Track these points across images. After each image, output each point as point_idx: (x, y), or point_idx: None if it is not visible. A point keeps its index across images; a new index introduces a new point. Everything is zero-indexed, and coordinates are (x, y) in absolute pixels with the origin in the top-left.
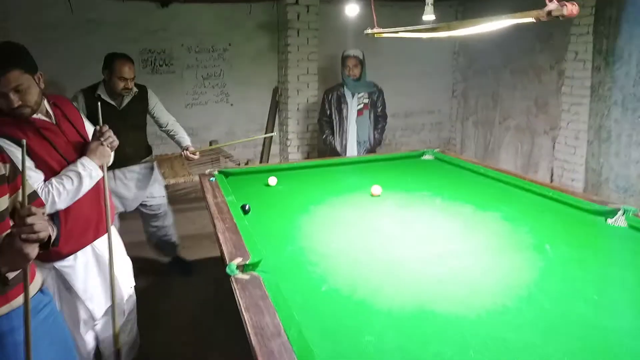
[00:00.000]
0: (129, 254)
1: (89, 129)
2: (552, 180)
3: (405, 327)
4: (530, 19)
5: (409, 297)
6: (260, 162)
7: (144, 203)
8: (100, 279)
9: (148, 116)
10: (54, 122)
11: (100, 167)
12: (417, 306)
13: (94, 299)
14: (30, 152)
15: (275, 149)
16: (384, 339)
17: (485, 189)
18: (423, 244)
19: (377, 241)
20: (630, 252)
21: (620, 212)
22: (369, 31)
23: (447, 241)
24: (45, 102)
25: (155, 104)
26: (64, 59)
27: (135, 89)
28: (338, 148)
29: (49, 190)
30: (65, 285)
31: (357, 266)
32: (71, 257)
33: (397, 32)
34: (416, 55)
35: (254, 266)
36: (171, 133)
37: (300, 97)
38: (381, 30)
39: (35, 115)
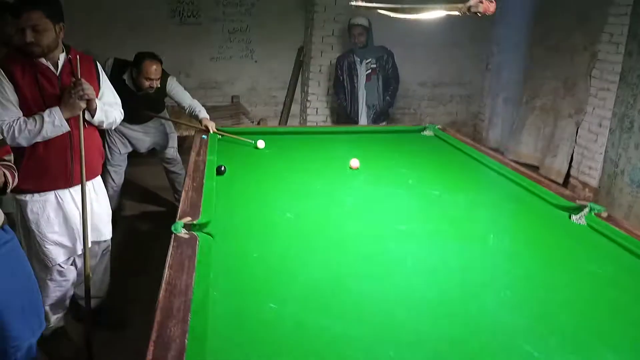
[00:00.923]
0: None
1: (107, 89)
2: (570, 167)
3: (312, 301)
4: (456, 13)
5: (331, 272)
6: (280, 122)
7: (161, 156)
8: (63, 227)
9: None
10: (57, 73)
11: (74, 119)
12: (334, 282)
13: (52, 243)
14: (19, 91)
15: (295, 109)
16: (286, 309)
17: (465, 172)
18: (373, 222)
19: (332, 215)
20: (573, 253)
21: (585, 210)
22: (353, 3)
23: (397, 222)
24: (63, 54)
25: (173, 89)
26: (94, 6)
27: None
28: (349, 112)
29: (11, 125)
30: (26, 225)
31: (299, 237)
32: (28, 195)
33: (375, 7)
34: (451, 22)
35: (201, 226)
36: (188, 111)
37: (323, 59)
38: (363, 4)
39: (42, 61)
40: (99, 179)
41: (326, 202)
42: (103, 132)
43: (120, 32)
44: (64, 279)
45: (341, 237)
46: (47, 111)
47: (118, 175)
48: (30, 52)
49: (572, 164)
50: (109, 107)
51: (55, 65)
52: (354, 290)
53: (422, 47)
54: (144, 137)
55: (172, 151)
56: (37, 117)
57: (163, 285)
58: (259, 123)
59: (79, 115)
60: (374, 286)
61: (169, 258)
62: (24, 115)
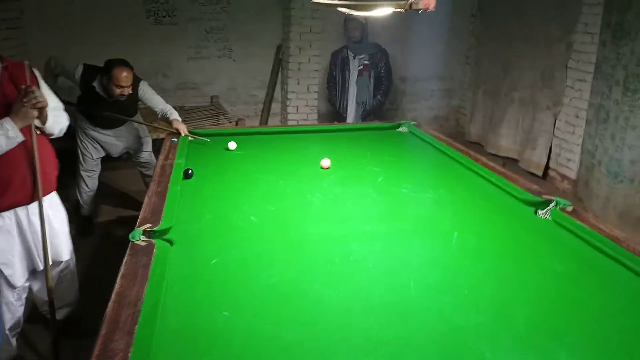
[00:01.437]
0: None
1: (48, 94)
2: (549, 159)
3: (267, 309)
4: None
5: (289, 277)
6: (260, 121)
7: (136, 159)
8: (20, 247)
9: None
10: None
11: (27, 129)
12: (291, 288)
13: (10, 265)
14: None
15: (276, 107)
16: (239, 318)
17: (435, 169)
18: (339, 223)
19: (297, 217)
20: (537, 249)
21: (552, 205)
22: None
23: (363, 222)
24: None
25: (145, 94)
26: (68, 5)
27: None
28: (338, 108)
29: None
30: None
31: (260, 241)
32: None
33: (334, 5)
34: (431, 17)
35: (161, 233)
36: (161, 115)
37: (301, 56)
38: (324, 1)
39: None
40: (54, 194)
41: (293, 203)
42: (73, 138)
43: (97, 34)
44: (19, 303)
45: (304, 239)
46: None
47: (92, 180)
48: None
49: (551, 156)
50: (57, 112)
51: None
52: (310, 296)
53: (402, 42)
54: (116, 141)
55: (146, 155)
56: None
57: (112, 296)
58: (237, 123)
59: (31, 125)
60: (331, 291)
61: (122, 267)
62: None
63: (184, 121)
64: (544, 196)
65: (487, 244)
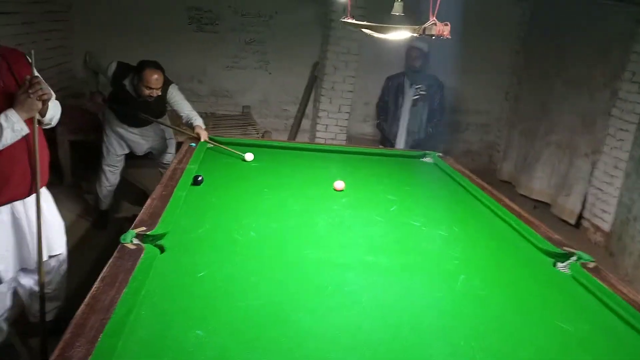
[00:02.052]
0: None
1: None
2: (583, 208)
3: (243, 332)
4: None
5: (274, 301)
6: (289, 136)
7: (158, 160)
8: (13, 240)
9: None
10: None
11: (29, 120)
12: (273, 313)
13: (3, 260)
14: None
15: (306, 123)
16: (212, 338)
17: (454, 204)
18: (340, 249)
19: (298, 237)
20: (547, 304)
21: (573, 258)
22: (343, 19)
23: (366, 252)
24: None
25: (173, 97)
26: (112, 3)
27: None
28: (388, 134)
29: None
30: None
31: (254, 259)
32: None
33: (360, 26)
34: (474, 49)
35: (154, 238)
36: (185, 120)
37: (336, 76)
38: (351, 21)
39: None
40: (44, 188)
41: (297, 223)
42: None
43: (138, 33)
44: (9, 292)
45: (300, 262)
46: (2, 116)
47: (113, 175)
48: None
49: (586, 205)
50: (53, 103)
51: None
52: (292, 324)
53: (440, 71)
54: (141, 140)
55: (169, 156)
56: None
57: (86, 299)
58: (263, 135)
59: (33, 117)
60: (316, 321)
61: (104, 269)
62: None
63: (213, 128)
64: (565, 248)
65: (494, 292)
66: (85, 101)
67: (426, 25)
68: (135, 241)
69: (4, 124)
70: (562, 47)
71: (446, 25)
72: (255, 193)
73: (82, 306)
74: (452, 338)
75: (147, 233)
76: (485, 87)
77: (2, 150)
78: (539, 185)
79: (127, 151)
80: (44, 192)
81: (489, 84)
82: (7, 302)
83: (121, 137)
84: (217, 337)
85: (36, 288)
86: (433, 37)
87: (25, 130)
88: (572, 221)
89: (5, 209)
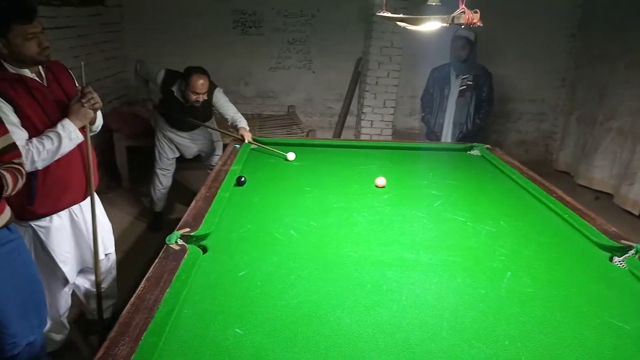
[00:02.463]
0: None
1: None
2: None
3: (281, 331)
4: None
5: (311, 299)
6: (334, 133)
7: (207, 163)
8: (74, 243)
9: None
10: (45, 83)
11: (82, 129)
12: (311, 310)
13: (67, 262)
14: (18, 110)
15: (351, 120)
16: (251, 337)
17: (502, 198)
18: (380, 247)
19: (338, 235)
20: (601, 301)
21: (631, 252)
22: (379, 13)
23: (407, 249)
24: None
25: (218, 101)
26: (157, 8)
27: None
28: (433, 127)
29: (29, 149)
30: (41, 245)
31: (293, 257)
32: (47, 218)
33: (395, 19)
34: (527, 34)
35: (198, 238)
36: (231, 122)
37: (380, 71)
38: (386, 15)
39: (30, 75)
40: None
41: (337, 221)
42: (150, 137)
43: (187, 41)
44: (70, 291)
45: (339, 260)
46: (59, 126)
47: (166, 178)
48: (47, 56)
49: None
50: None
51: (40, 76)
52: (329, 323)
53: (490, 59)
54: (190, 143)
55: (217, 159)
56: (51, 134)
57: (132, 299)
58: (307, 134)
59: (86, 125)
60: (353, 320)
61: (150, 270)
62: (30, 135)
63: (259, 129)
64: (623, 241)
65: (543, 290)
66: (138, 108)
67: (455, 14)
68: (180, 242)
69: (62, 133)
70: (623, 28)
71: (475, 12)
72: (296, 192)
73: (128, 305)
74: (495, 338)
75: (191, 234)
76: (539, 74)
77: (61, 158)
78: (599, 174)
79: (177, 155)
80: (95, 196)
81: (543, 71)
82: (69, 301)
83: (172, 141)
84: (254, 335)
85: (91, 287)
86: (462, 27)
87: (80, 138)
88: (637, 212)
89: (65, 213)
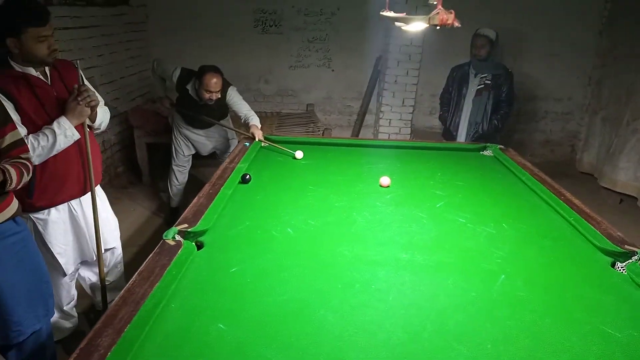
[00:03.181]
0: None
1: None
2: None
3: (264, 328)
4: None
5: (298, 297)
6: (352, 132)
7: (221, 160)
8: (72, 236)
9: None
10: (49, 82)
11: (80, 126)
12: (296, 309)
13: (64, 254)
14: (19, 107)
15: (370, 119)
16: (233, 333)
17: (506, 200)
18: (375, 247)
19: (334, 234)
20: (595, 308)
21: (634, 257)
22: (382, 13)
23: (402, 249)
24: None
25: (232, 99)
26: (181, 7)
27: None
28: (449, 125)
29: None
30: (40, 236)
31: (286, 256)
32: (45, 211)
33: (392, 19)
34: (552, 31)
35: (195, 234)
36: (244, 120)
37: (399, 69)
38: (387, 14)
39: (34, 73)
40: (99, 187)
41: (336, 220)
42: (169, 134)
43: (209, 40)
44: (73, 282)
45: (332, 259)
46: (55, 123)
47: (182, 175)
48: (55, 57)
49: None
50: (101, 110)
51: (44, 75)
52: (312, 321)
53: (512, 56)
54: (206, 141)
55: None
56: (46, 131)
57: (122, 292)
58: (323, 133)
59: (83, 122)
60: (337, 319)
61: (143, 264)
62: (29, 132)
63: (277, 127)
64: (627, 247)
65: (536, 294)
66: (157, 106)
67: (431, 14)
68: (178, 237)
69: (57, 131)
70: None
71: (450, 12)
72: (299, 190)
73: (117, 298)
74: (478, 341)
75: (189, 230)
76: (566, 72)
77: (58, 154)
78: (624, 176)
79: (193, 152)
80: (99, 191)
81: (570, 68)
82: (72, 291)
83: (188, 139)
84: (238, 331)
85: (96, 280)
86: (438, 28)
87: (76, 135)
88: None
89: (64, 207)
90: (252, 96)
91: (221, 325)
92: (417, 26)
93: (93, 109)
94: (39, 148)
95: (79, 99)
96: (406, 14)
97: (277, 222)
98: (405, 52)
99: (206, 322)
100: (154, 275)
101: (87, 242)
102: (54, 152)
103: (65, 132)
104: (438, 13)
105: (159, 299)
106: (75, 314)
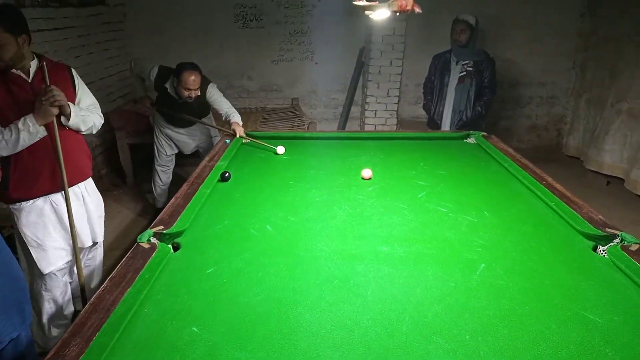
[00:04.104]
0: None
1: (82, 97)
2: None
3: (237, 329)
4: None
5: (274, 296)
6: (338, 125)
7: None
8: (52, 230)
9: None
10: (29, 80)
11: (50, 124)
12: (271, 308)
13: (40, 248)
14: None
15: (356, 111)
16: (207, 335)
17: (489, 187)
18: (355, 240)
19: (314, 230)
20: (576, 292)
21: (616, 241)
22: (354, 2)
23: (382, 242)
24: (34, 61)
25: (212, 96)
26: (159, 5)
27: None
28: (433, 114)
29: None
30: (22, 231)
31: (265, 253)
32: (22, 202)
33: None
34: (533, 17)
35: (172, 236)
36: (225, 117)
37: (383, 59)
38: (357, 3)
39: (13, 71)
40: (90, 180)
41: (316, 215)
42: (152, 134)
43: (190, 37)
44: (59, 288)
45: (311, 255)
46: (20, 120)
47: (166, 175)
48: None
49: None
50: (86, 113)
51: (27, 73)
52: (288, 320)
53: (496, 42)
54: (188, 139)
55: None
56: (11, 126)
57: (92, 298)
58: (308, 127)
59: (53, 121)
60: (313, 317)
61: (115, 269)
62: (2, 126)
63: (262, 122)
64: (608, 230)
65: (515, 282)
66: (139, 106)
67: (390, 1)
68: (153, 240)
69: (21, 127)
70: (633, 6)
71: None
72: (280, 186)
73: (87, 305)
74: (456, 333)
75: (164, 232)
76: (549, 56)
77: (30, 149)
78: (609, 158)
79: (176, 151)
80: (88, 185)
81: (553, 53)
82: (66, 290)
83: (170, 138)
84: (211, 334)
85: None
86: (397, 14)
87: (41, 133)
88: None
89: (43, 200)
90: (236, 92)
91: (195, 329)
92: (381, 14)
93: (62, 109)
94: (2, 142)
95: (43, 99)
96: (377, 2)
97: (256, 220)
98: (388, 42)
99: (179, 326)
100: (125, 280)
101: (70, 238)
102: (20, 147)
103: (29, 129)
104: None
105: (130, 304)
106: (52, 334)
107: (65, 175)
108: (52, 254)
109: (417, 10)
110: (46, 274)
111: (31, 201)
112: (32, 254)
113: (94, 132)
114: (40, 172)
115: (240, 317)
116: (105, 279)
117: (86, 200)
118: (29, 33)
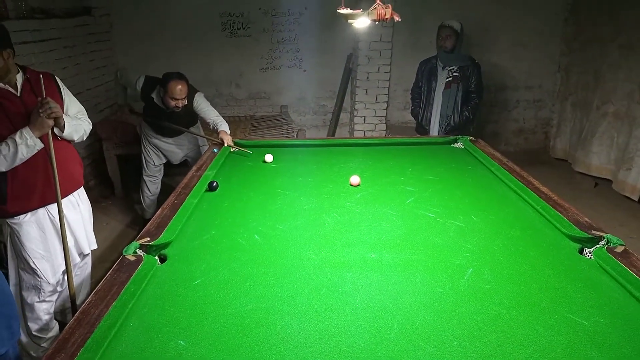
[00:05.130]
0: None
1: (71, 102)
2: None
3: (226, 341)
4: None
5: (262, 306)
6: (328, 132)
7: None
8: (49, 242)
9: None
10: (18, 94)
11: (45, 136)
12: (259, 318)
13: (42, 260)
14: None
15: (345, 117)
16: (194, 349)
17: (476, 192)
18: (344, 248)
19: (302, 238)
20: (562, 296)
21: (601, 243)
22: (338, 10)
23: (371, 249)
24: (19, 74)
25: (199, 105)
26: (146, 14)
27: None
28: (421, 120)
29: None
30: (19, 241)
31: (252, 264)
32: (20, 216)
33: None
34: (517, 22)
35: (158, 248)
36: (212, 126)
37: (370, 66)
38: (340, 11)
39: (1, 85)
40: (82, 189)
41: (304, 223)
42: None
43: (177, 46)
44: (51, 298)
45: (299, 264)
46: (17, 133)
47: (154, 185)
48: None
49: None
50: (76, 121)
51: (15, 87)
52: (276, 330)
53: (482, 46)
54: (176, 149)
55: None
56: (8, 141)
57: (77, 313)
58: (297, 134)
59: (48, 133)
60: (301, 326)
61: (100, 283)
62: None
63: (251, 130)
64: (594, 232)
65: (503, 286)
66: (126, 116)
67: (370, 9)
68: (139, 252)
69: (18, 141)
70: (615, 10)
71: (387, 7)
72: (268, 195)
73: (71, 321)
74: (444, 339)
75: (151, 243)
76: (534, 60)
77: (27, 162)
78: (597, 160)
79: (164, 161)
80: (81, 194)
81: (538, 57)
82: (45, 316)
83: (158, 148)
84: (198, 346)
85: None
86: (376, 23)
87: (38, 145)
88: (636, 197)
89: (41, 212)
90: (224, 101)
91: (181, 342)
92: (362, 22)
93: (57, 120)
94: (0, 157)
95: (40, 111)
96: (360, 10)
97: (244, 230)
98: (375, 48)
99: (165, 339)
100: (111, 294)
101: (72, 244)
102: (18, 161)
103: (26, 142)
104: (375, 8)
105: (115, 318)
106: (35, 353)
107: (59, 186)
108: (56, 263)
109: (397, 18)
110: (38, 287)
111: (29, 214)
112: (37, 266)
113: (84, 139)
114: (36, 185)
115: (227, 328)
116: (92, 291)
117: (81, 208)
118: (13, 47)
